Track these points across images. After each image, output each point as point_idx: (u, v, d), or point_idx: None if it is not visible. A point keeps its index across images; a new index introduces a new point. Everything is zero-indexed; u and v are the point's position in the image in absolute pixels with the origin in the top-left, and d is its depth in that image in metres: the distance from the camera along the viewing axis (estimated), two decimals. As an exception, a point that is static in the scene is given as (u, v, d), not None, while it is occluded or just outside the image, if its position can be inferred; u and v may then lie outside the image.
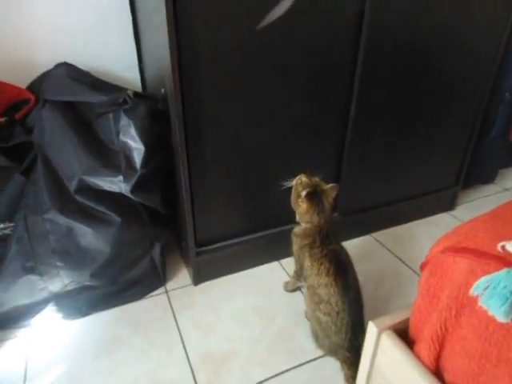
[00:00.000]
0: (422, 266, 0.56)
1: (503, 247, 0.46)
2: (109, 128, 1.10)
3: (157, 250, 1.23)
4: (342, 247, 1.04)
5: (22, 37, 1.27)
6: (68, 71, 1.17)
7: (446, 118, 1.44)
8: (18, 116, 1.18)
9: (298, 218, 1.09)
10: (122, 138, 1.09)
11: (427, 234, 1.54)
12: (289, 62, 1.08)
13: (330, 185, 1.05)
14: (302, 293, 1.23)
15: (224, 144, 1.13)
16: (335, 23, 1.09)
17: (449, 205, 1.68)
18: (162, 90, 1.14)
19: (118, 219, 1.13)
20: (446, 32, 1.25)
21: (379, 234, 1.53)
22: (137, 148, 1.09)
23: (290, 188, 1.08)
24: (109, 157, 1.10)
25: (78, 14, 1.31)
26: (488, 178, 1.85)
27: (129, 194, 1.12)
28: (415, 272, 1.34)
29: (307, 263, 1.02)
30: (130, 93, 1.13)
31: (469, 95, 1.43)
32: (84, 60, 1.34)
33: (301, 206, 1.04)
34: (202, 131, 1.09)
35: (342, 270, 0.97)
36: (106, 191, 1.11)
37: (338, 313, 0.94)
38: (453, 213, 1.68)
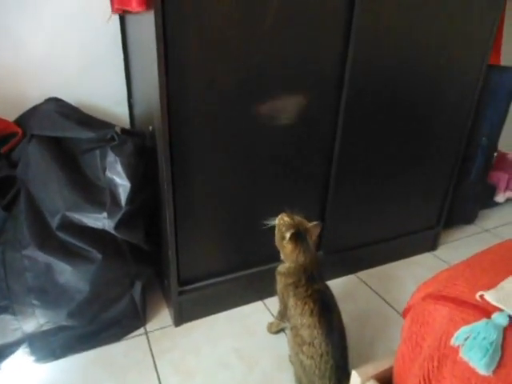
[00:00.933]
0: (405, 313, 0.56)
1: (482, 296, 0.47)
2: (95, 164, 1.10)
3: (137, 289, 1.20)
4: (327, 287, 1.03)
5: (11, 70, 1.28)
6: (57, 106, 1.18)
7: (425, 162, 1.48)
8: (3, 150, 1.17)
9: (282, 256, 1.08)
10: (108, 174, 1.09)
11: (411, 274, 1.55)
12: (274, 107, 1.12)
13: (313, 223, 1.05)
14: (286, 335, 1.21)
15: (210, 183, 1.14)
16: (322, 77, 1.14)
17: (431, 245, 1.70)
18: (150, 128, 1.15)
19: (99, 256, 1.11)
20: (424, 82, 1.32)
21: (363, 274, 1.53)
22: (122, 184, 1.09)
23: (274, 227, 1.09)
24: (94, 193, 1.09)
25: (70, 50, 1.33)
26: (469, 218, 1.90)
27: (112, 231, 1.11)
28: (399, 313, 1.34)
29: (291, 302, 1.01)
30: (117, 129, 1.14)
31: (447, 141, 1.49)
32: (74, 95, 1.36)
33: (286, 247, 1.04)
34: (188, 170, 1.10)
35: (326, 311, 0.96)
36: (89, 227, 1.09)
37: (321, 356, 0.92)
38: (435, 253, 1.70)
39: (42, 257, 1.07)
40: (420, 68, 1.29)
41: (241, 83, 1.06)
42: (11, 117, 1.27)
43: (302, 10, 1.05)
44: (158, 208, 1.21)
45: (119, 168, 1.08)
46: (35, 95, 1.29)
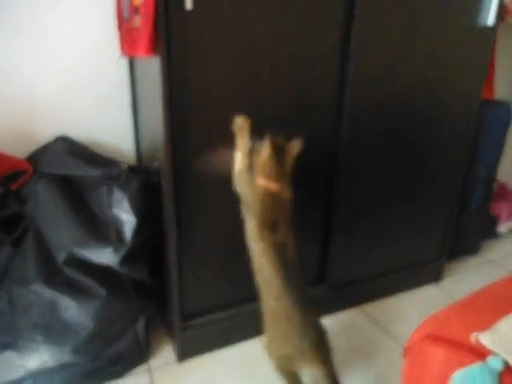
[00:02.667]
0: (405, 353, 0.57)
1: (476, 338, 0.48)
2: (102, 201, 1.13)
3: (141, 324, 1.20)
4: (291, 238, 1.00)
5: (23, 109, 1.33)
6: (66, 145, 1.22)
7: (426, 195, 1.50)
8: (14, 187, 1.21)
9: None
10: (115, 210, 1.12)
11: (416, 307, 1.54)
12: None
13: (294, 140, 0.98)
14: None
15: (214, 219, 1.17)
16: (322, 113, 1.19)
17: (436, 276, 1.70)
18: (156, 163, 1.19)
19: (103, 292, 1.12)
20: (421, 118, 1.36)
21: (368, 307, 1.52)
22: (128, 220, 1.12)
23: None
24: (100, 229, 1.12)
25: (80, 89, 1.37)
26: (472, 249, 1.89)
27: (117, 266, 1.13)
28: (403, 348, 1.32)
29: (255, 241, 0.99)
30: (123, 166, 1.19)
31: (446, 174, 1.51)
32: (83, 133, 1.40)
33: (260, 157, 0.95)
34: (192, 205, 1.13)
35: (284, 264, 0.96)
36: (94, 263, 1.12)
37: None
38: (440, 285, 1.69)
39: (48, 292, 1.09)
40: (416, 104, 1.34)
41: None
42: (21, 154, 1.32)
43: (297, 53, 1.10)
44: (161, 243, 1.23)
45: (125, 204, 1.12)
46: (45, 133, 1.33)
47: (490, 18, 1.30)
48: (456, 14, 1.27)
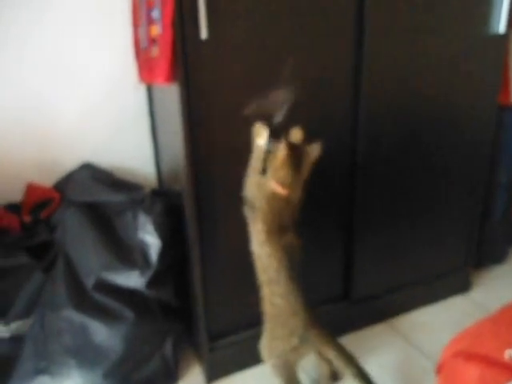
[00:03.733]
0: (438, 370, 0.56)
1: (511, 355, 0.47)
2: (127, 225, 1.16)
3: (168, 346, 1.22)
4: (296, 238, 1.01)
5: (49, 138, 1.38)
6: (91, 173, 1.27)
7: (447, 204, 1.49)
8: (43, 215, 1.26)
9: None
10: (140, 234, 1.15)
11: (445, 319, 1.50)
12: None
13: (314, 144, 0.96)
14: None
15: (237, 238, 1.17)
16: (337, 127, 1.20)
17: (463, 287, 1.66)
18: (178, 187, 1.22)
19: (131, 314, 1.14)
20: (440, 126, 1.36)
21: (395, 321, 1.50)
22: (154, 243, 1.15)
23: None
24: (126, 253, 1.15)
25: (101, 116, 1.42)
26: (499, 258, 1.85)
27: (144, 289, 1.15)
28: (434, 364, 1.29)
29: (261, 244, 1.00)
30: (147, 191, 1.22)
31: (467, 182, 1.50)
32: (105, 159, 1.44)
33: (275, 159, 0.93)
34: (215, 226, 1.15)
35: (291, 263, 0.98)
36: (121, 286, 1.14)
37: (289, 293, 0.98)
38: (468, 295, 1.65)
39: (78, 317, 1.11)
40: (433, 113, 1.33)
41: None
42: (48, 182, 1.37)
43: (311, 74, 1.13)
44: (186, 264, 1.25)
45: (150, 227, 1.14)
46: (69, 161, 1.38)
47: (501, 26, 1.30)
48: (467, 23, 1.28)
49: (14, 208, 1.30)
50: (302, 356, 1.06)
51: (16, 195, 1.33)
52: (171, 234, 1.18)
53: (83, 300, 1.12)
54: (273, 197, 0.96)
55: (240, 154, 1.09)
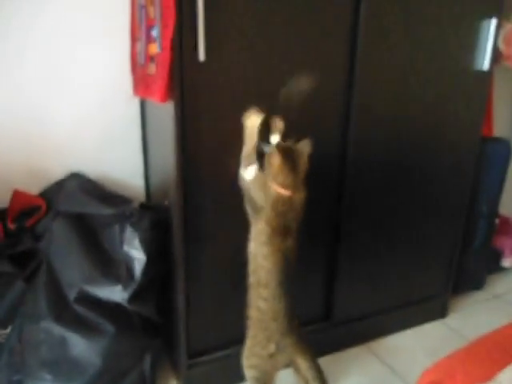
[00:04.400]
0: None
1: (481, 391, 0.49)
2: (113, 239, 1.16)
3: (147, 362, 1.21)
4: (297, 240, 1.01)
5: (38, 146, 1.37)
6: (80, 183, 1.26)
7: (429, 232, 1.53)
8: (28, 223, 1.25)
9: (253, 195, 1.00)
10: (126, 248, 1.15)
11: (421, 344, 1.53)
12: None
13: (302, 141, 0.96)
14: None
15: (223, 255, 1.19)
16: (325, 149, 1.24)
17: (441, 313, 1.70)
18: (166, 202, 1.23)
19: (112, 329, 1.13)
20: (422, 156, 1.41)
21: (374, 344, 1.52)
22: (138, 258, 1.15)
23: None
24: (110, 267, 1.14)
25: (93, 127, 1.42)
26: (477, 284, 1.89)
27: (126, 304, 1.15)
28: (411, 388, 1.32)
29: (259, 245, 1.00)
30: (135, 204, 1.23)
31: (448, 211, 1.54)
32: (94, 170, 1.43)
33: (272, 166, 0.93)
34: (202, 243, 1.16)
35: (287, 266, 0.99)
36: (103, 300, 1.13)
37: (274, 298, 0.99)
38: (446, 321, 1.69)
39: (58, 329, 1.10)
40: (418, 141, 1.38)
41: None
42: (34, 190, 1.36)
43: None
44: (169, 279, 1.25)
45: (136, 242, 1.15)
46: (58, 170, 1.37)
47: (486, 63, 1.37)
48: (454, 59, 1.34)
49: (-1, 214, 1.28)
50: (278, 366, 1.07)
51: (2, 201, 1.32)
52: (157, 248, 1.18)
53: (64, 312, 1.11)
54: (277, 199, 0.96)
55: (227, 172, 1.10)
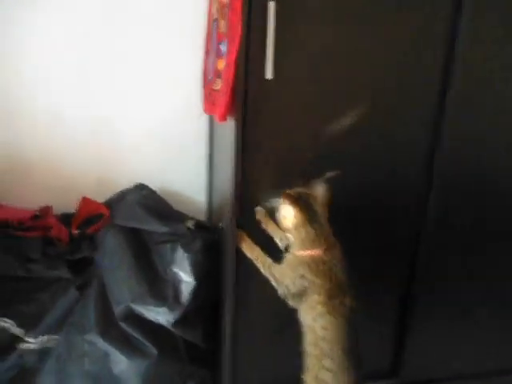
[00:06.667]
0: None
1: None
2: (164, 258, 1.13)
3: (189, 390, 1.14)
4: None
5: (108, 156, 1.41)
6: (140, 197, 1.24)
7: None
8: (89, 231, 1.27)
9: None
10: (175, 269, 1.11)
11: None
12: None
13: (313, 185, 0.86)
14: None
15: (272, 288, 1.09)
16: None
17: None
18: (221, 224, 1.17)
19: (155, 351, 1.09)
20: None
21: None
22: (187, 281, 1.10)
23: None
24: (159, 287, 1.10)
25: (161, 140, 1.42)
26: None
27: (171, 327, 1.10)
28: None
29: (313, 310, 0.88)
30: (190, 224, 1.18)
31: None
32: (159, 182, 1.43)
33: (287, 222, 0.83)
34: (253, 270, 1.06)
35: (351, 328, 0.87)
36: (149, 321, 1.10)
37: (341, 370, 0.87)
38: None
39: (102, 344, 1.09)
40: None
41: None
42: (100, 199, 1.38)
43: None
44: (220, 307, 1.18)
45: (186, 264, 1.10)
46: (124, 180, 1.38)
47: None
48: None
49: (66, 219, 1.32)
50: None
51: (71, 207, 1.36)
52: (207, 273, 1.12)
53: (109, 328, 1.09)
54: (312, 262, 0.85)
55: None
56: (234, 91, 0.93)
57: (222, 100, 0.95)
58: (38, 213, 1.33)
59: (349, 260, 0.98)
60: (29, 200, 1.34)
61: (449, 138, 1.06)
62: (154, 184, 1.41)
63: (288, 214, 0.82)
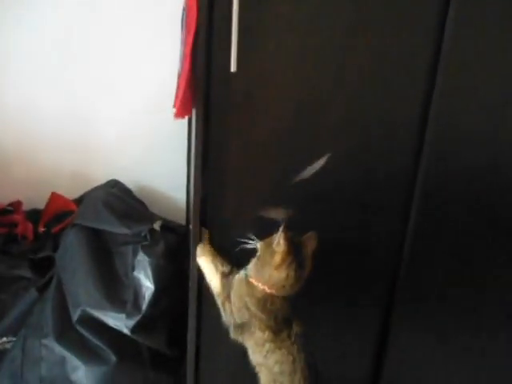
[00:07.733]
0: None
1: None
2: (126, 261, 1.07)
3: (154, 399, 1.09)
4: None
5: (81, 151, 1.36)
6: (106, 195, 1.19)
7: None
8: (55, 229, 1.22)
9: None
10: (136, 273, 1.05)
11: None
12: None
13: (308, 234, 0.82)
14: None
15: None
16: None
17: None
18: (190, 227, 1.10)
19: (114, 358, 1.04)
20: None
21: None
22: (147, 286, 1.04)
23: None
24: (118, 291, 1.05)
25: (138, 136, 1.37)
26: None
27: (129, 333, 1.04)
28: None
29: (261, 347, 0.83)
30: (157, 225, 1.11)
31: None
32: (135, 178, 1.38)
33: (275, 254, 0.78)
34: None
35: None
36: (108, 326, 1.04)
37: None
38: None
39: (58, 349, 1.04)
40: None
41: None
42: (75, 194, 1.33)
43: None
44: (184, 312, 1.11)
45: (147, 269, 1.04)
46: (99, 175, 1.33)
47: None
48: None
49: (34, 215, 1.28)
50: None
51: (42, 203, 1.32)
52: (170, 278, 1.06)
53: (67, 331, 1.05)
54: (267, 300, 0.81)
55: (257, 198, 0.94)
56: (190, 85, 0.85)
57: (178, 94, 0.87)
58: (7, 207, 1.29)
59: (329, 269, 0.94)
60: (1, 194, 1.31)
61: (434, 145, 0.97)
62: (132, 180, 1.36)
63: (278, 251, 0.79)
